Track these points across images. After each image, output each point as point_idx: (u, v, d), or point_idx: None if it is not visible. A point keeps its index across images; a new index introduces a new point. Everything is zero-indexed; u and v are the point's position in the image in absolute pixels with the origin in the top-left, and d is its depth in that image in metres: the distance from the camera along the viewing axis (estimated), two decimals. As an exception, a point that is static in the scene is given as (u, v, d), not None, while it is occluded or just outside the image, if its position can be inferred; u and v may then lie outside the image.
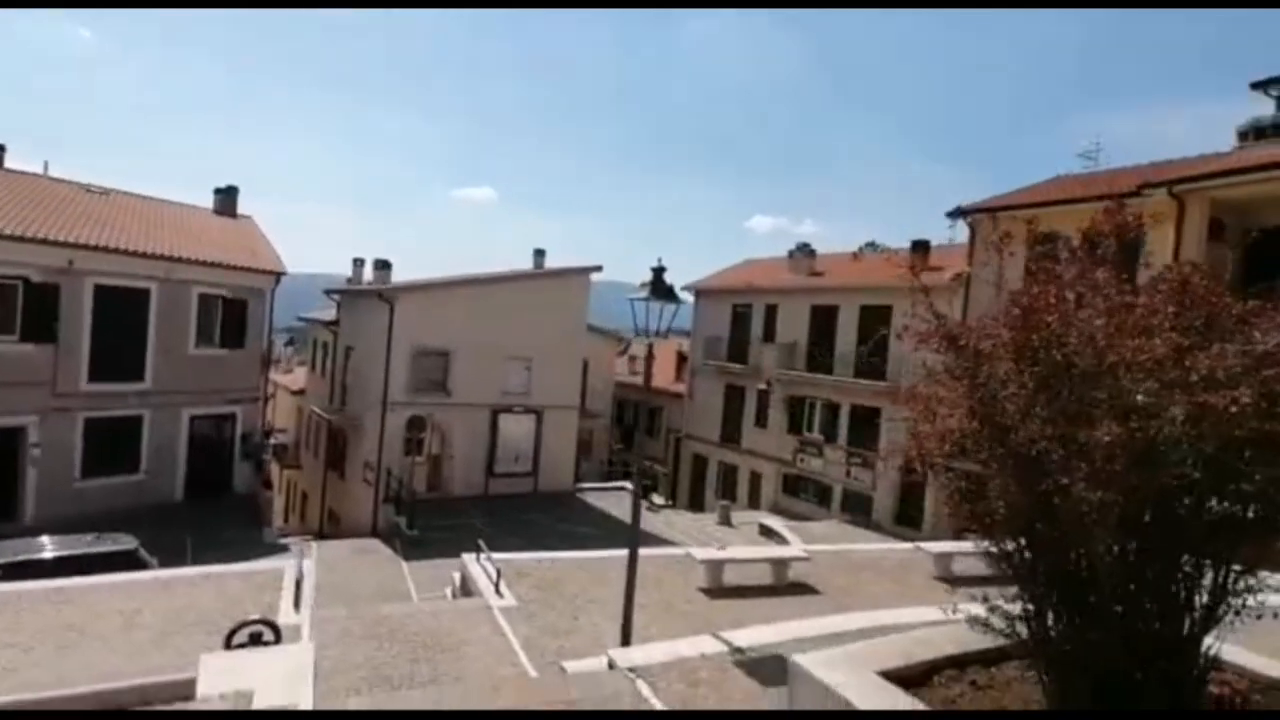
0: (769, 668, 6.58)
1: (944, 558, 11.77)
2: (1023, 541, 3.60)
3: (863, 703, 3.69)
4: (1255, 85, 18.96)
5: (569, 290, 26.21)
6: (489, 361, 24.32)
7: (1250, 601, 3.58)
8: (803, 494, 26.15)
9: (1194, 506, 3.40)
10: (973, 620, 4.30)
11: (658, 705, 5.75)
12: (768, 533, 19.89)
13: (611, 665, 6.55)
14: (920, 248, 24.31)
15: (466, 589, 11.08)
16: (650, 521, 23.15)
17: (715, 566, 10.76)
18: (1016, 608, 3.85)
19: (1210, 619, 3.65)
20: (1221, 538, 3.49)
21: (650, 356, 8.90)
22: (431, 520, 20.52)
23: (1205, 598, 3.63)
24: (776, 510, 25.18)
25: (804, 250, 28.94)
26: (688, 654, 6.77)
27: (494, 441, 25.00)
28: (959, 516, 3.89)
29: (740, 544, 17.18)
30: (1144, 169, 20.06)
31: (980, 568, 12.69)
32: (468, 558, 11.73)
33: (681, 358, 36.26)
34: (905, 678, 4.14)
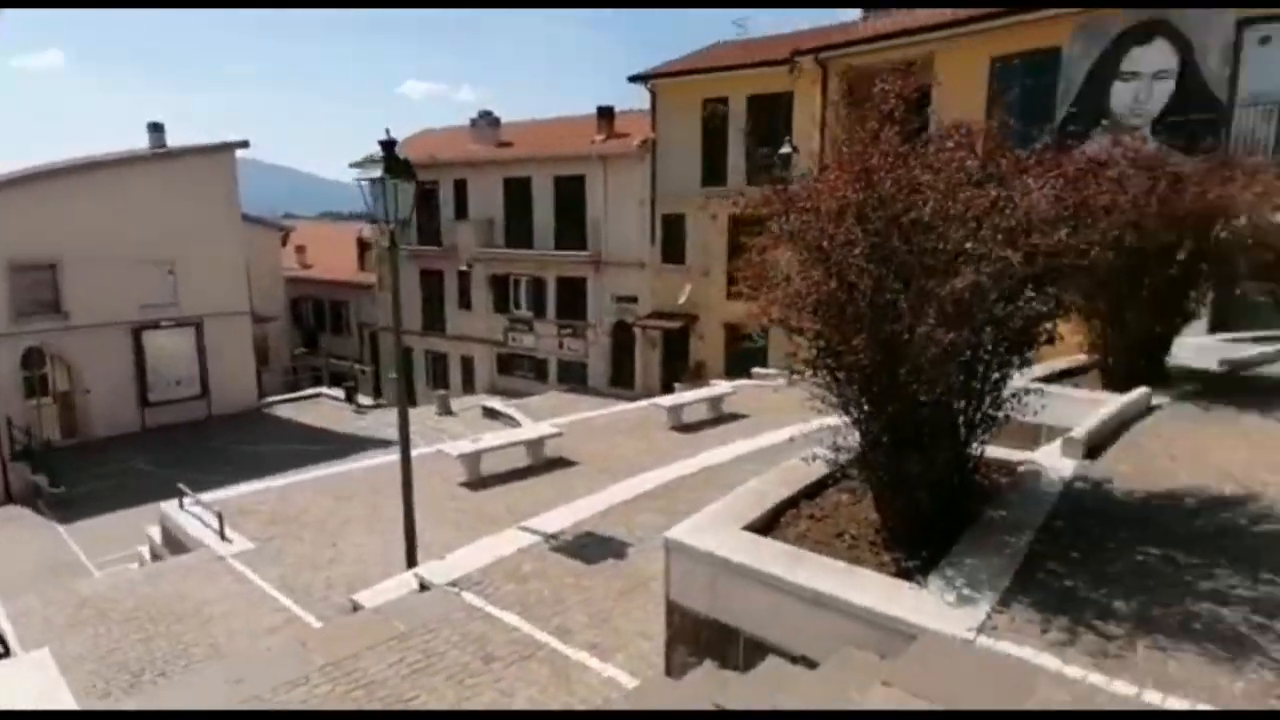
0: (588, 545, 6.73)
1: (675, 410, 12.83)
2: (871, 388, 4.00)
3: (748, 559, 3.93)
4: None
5: (210, 173, 22.04)
6: (117, 269, 19.92)
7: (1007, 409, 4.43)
8: (519, 371, 26.43)
9: (1000, 326, 4.01)
10: (811, 457, 4.78)
11: (494, 612, 5.56)
12: (492, 414, 19.89)
13: (424, 585, 6.13)
14: (606, 114, 24.59)
15: (175, 544, 9.45)
16: (364, 424, 21.74)
17: (472, 459, 10.51)
18: (832, 443, 4.39)
19: (975, 427, 4.48)
20: (1017, 346, 4.21)
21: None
22: (80, 471, 16.96)
23: (987, 405, 4.39)
24: (495, 391, 25.21)
25: (487, 119, 27.59)
26: (502, 552, 6.59)
27: (142, 365, 21.02)
28: (809, 370, 4.15)
29: (465, 431, 17.02)
30: (790, 38, 22.17)
31: (704, 413, 14.03)
32: (167, 507, 9.94)
33: (364, 245, 33.26)
34: (761, 526, 4.50)
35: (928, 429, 4.03)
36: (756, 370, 16.74)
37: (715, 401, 13.35)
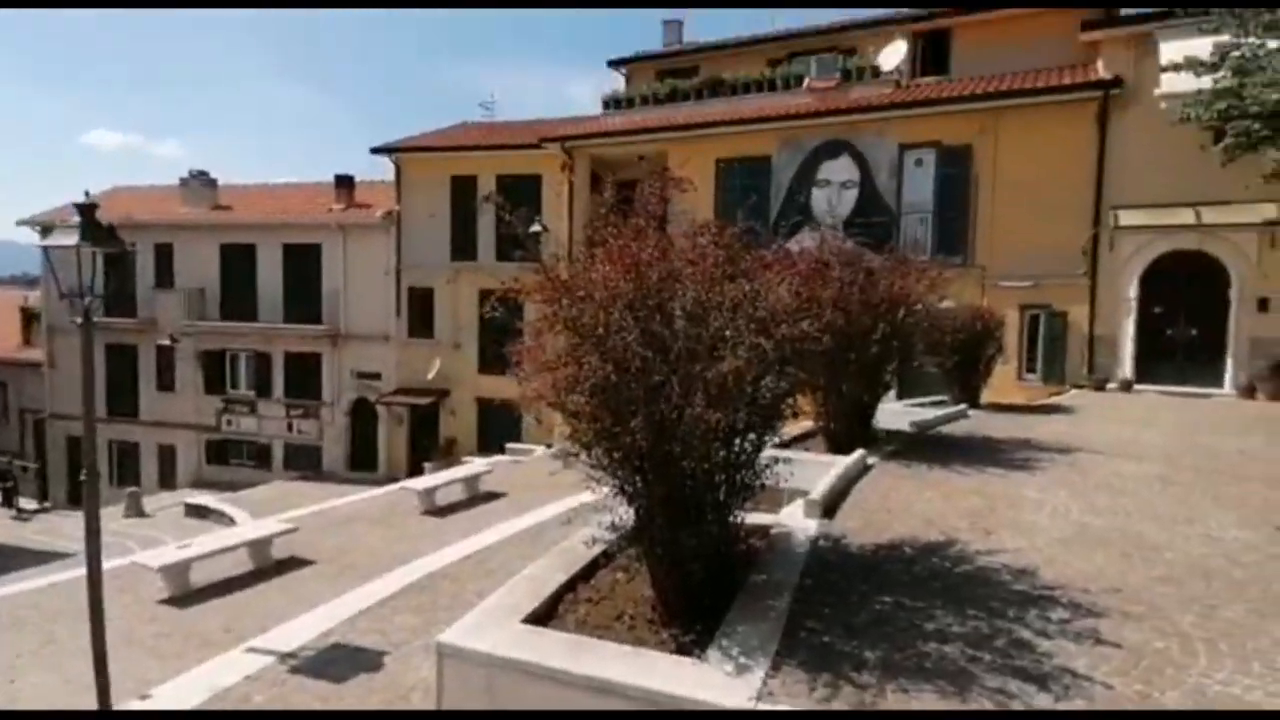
0: (335, 661, 5.95)
1: (428, 493, 12.16)
2: (645, 466, 4.10)
3: (531, 655, 3.74)
4: (611, 63, 23.53)
5: None
6: None
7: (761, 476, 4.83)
8: (235, 459, 23.43)
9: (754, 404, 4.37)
10: (591, 541, 4.75)
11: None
12: (200, 512, 17.24)
13: (127, 734, 5.01)
14: (345, 183, 23.51)
15: None
16: (28, 534, 17.73)
17: (178, 570, 8.90)
18: (607, 521, 4.45)
19: (738, 494, 4.82)
20: (768, 421, 4.60)
21: None
22: None
23: (746, 476, 4.73)
24: (203, 484, 22.03)
25: (202, 179, 24.92)
26: (224, 682, 5.61)
27: None
28: (584, 452, 4.17)
29: (162, 535, 14.63)
30: (536, 124, 23.17)
31: (460, 494, 13.41)
32: None
33: (29, 315, 27.91)
34: (541, 616, 4.33)
35: (698, 503, 4.22)
36: (511, 446, 16.52)
37: (472, 481, 12.87)
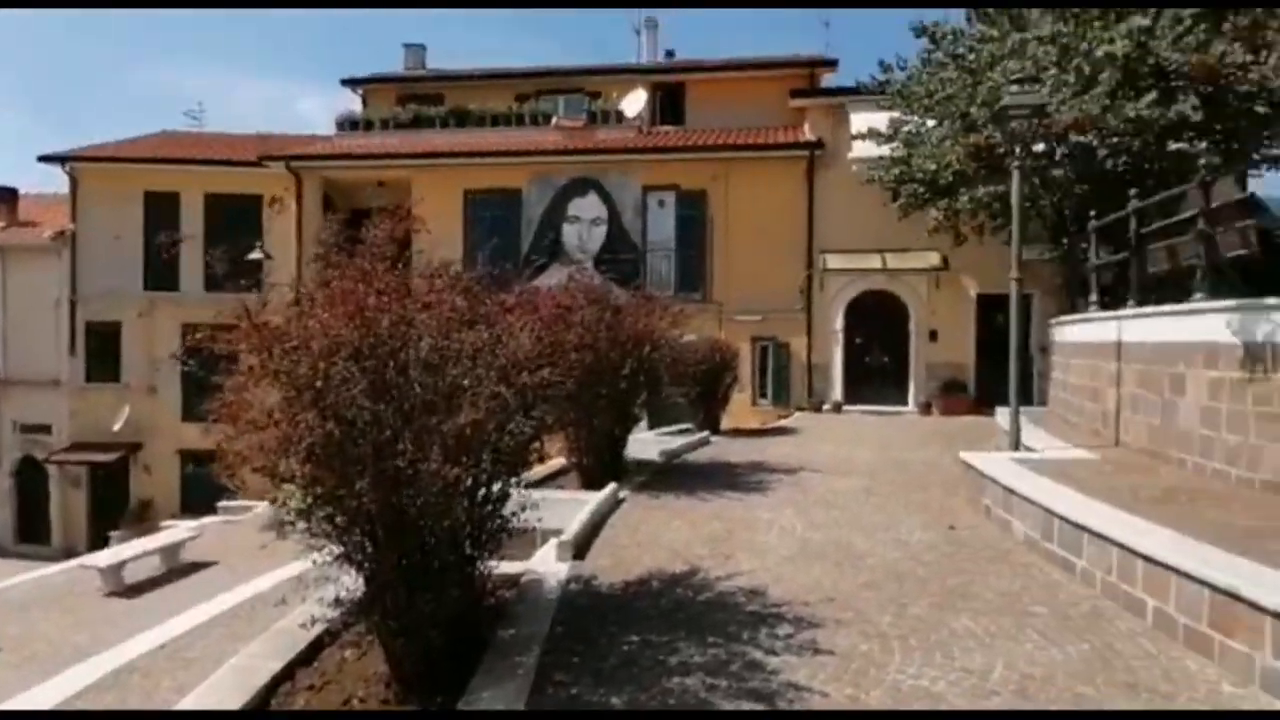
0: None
1: (114, 569, 10.24)
2: (377, 531, 3.79)
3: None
4: (345, 82, 22.28)
5: None
6: None
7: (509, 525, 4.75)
8: None
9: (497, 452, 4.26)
10: (309, 621, 4.27)
11: None
12: None
13: None
14: (7, 196, 19.66)
15: None
16: None
17: None
18: (334, 592, 4.08)
19: (483, 546, 4.69)
20: (513, 467, 4.51)
21: None
22: None
23: (492, 528, 4.61)
24: None
25: None
26: None
27: None
28: (301, 520, 3.76)
29: None
30: (256, 139, 21.19)
31: (156, 567, 11.56)
32: None
33: None
34: (252, 713, 3.81)
35: (437, 564, 4.00)
36: (225, 504, 14.58)
37: (172, 550, 11.06)
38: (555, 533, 6.63)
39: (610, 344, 8.54)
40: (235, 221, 18.03)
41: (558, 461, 9.90)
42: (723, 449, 12.09)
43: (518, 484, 4.82)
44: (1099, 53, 8.60)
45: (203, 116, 25.43)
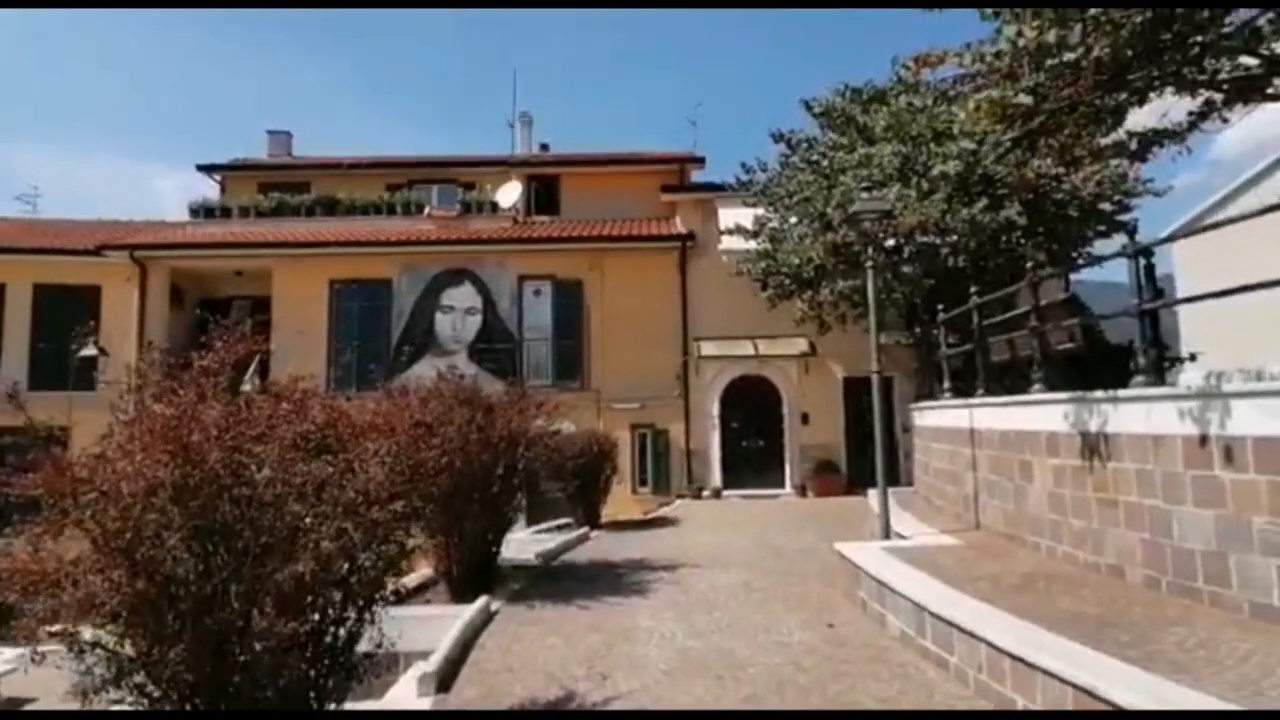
0: None
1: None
2: (195, 700, 3.24)
3: None
4: (201, 168, 21.27)
5: None
6: None
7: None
8: None
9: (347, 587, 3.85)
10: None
11: None
12: None
13: None
14: None
15: None
16: None
17: None
18: None
19: (332, 690, 4.19)
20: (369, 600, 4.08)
21: None
22: None
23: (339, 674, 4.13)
24: None
25: None
26: None
27: None
28: (107, 691, 3.17)
29: None
30: (96, 226, 19.70)
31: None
32: None
33: None
34: None
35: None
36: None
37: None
38: (421, 655, 6.06)
39: (482, 446, 8.18)
40: (69, 315, 16.45)
41: (425, 571, 9.24)
42: (602, 545, 11.75)
43: (371, 619, 4.37)
44: (935, 171, 9.53)
45: (36, 200, 23.40)
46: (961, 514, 9.41)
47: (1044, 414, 7.21)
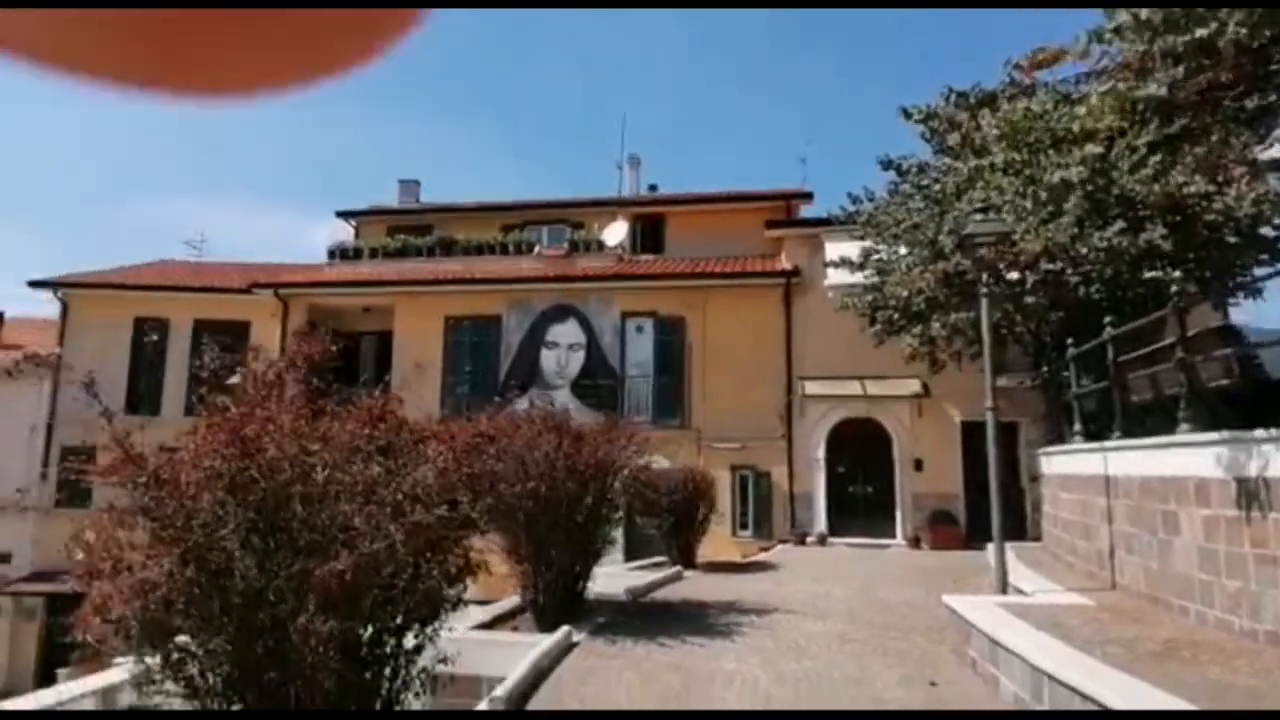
0: None
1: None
2: (245, 696, 3.20)
3: None
4: (340, 214, 22.91)
5: None
6: None
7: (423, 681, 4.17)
8: None
9: (387, 600, 3.75)
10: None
11: None
12: None
13: None
14: (-12, 317, 19.61)
15: None
16: None
17: None
18: None
19: (391, 704, 4.10)
20: (404, 628, 3.97)
21: None
22: None
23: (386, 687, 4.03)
24: None
25: None
26: None
27: None
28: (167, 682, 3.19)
29: None
30: (250, 268, 21.52)
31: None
32: None
33: None
34: None
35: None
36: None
37: (110, 693, 10.14)
38: (499, 679, 5.94)
39: (568, 473, 8.05)
40: (222, 348, 17.99)
41: (515, 599, 9.15)
42: (695, 586, 11.29)
43: (434, 634, 4.28)
44: (1055, 178, 8.67)
45: (203, 246, 25.91)
46: (1095, 572, 8.38)
47: (1192, 457, 6.31)
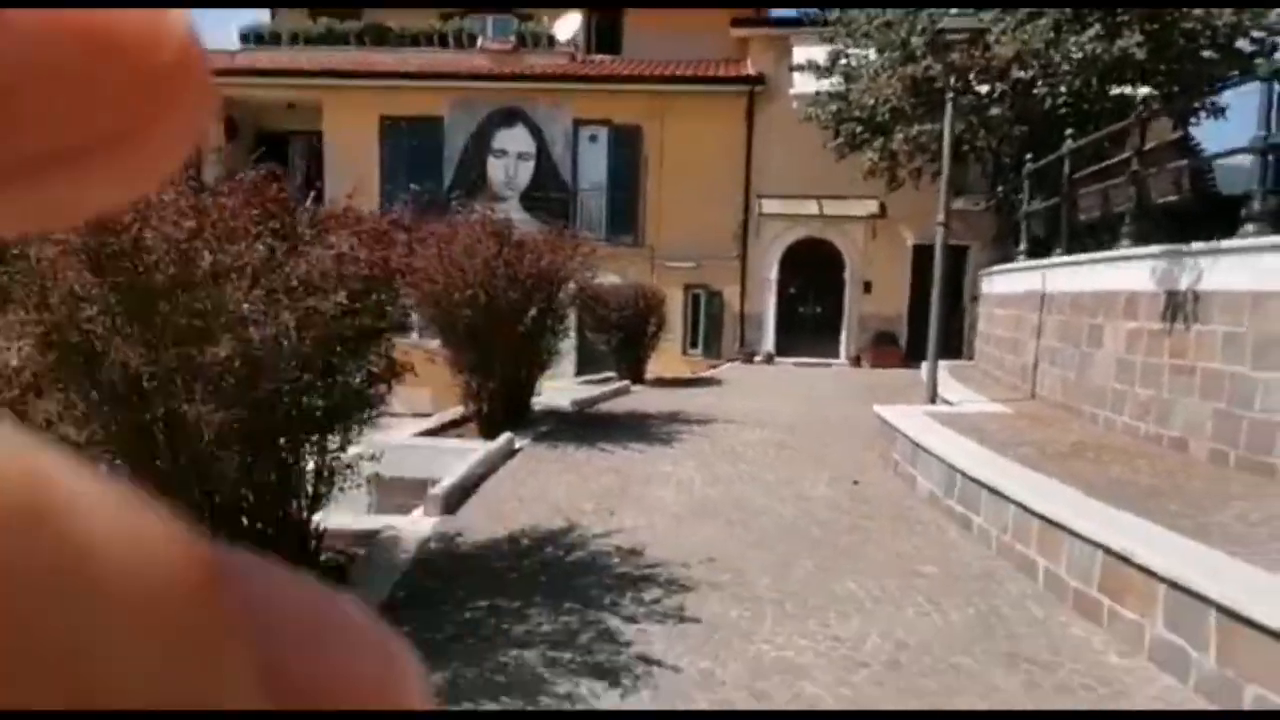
0: None
1: None
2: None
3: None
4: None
5: None
6: None
7: (348, 476, 4.18)
8: None
9: (295, 404, 3.64)
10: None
11: None
12: None
13: None
14: None
15: None
16: None
17: None
18: None
19: (316, 500, 4.13)
20: (323, 426, 3.90)
21: None
22: None
23: (310, 483, 4.04)
24: None
25: None
26: None
27: None
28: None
29: None
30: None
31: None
32: None
33: None
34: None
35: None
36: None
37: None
38: (440, 481, 6.10)
39: (509, 282, 7.84)
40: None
41: (458, 410, 9.26)
42: (641, 399, 11.58)
43: (358, 433, 4.24)
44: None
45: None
46: (1018, 384, 8.74)
47: (1128, 271, 6.35)
